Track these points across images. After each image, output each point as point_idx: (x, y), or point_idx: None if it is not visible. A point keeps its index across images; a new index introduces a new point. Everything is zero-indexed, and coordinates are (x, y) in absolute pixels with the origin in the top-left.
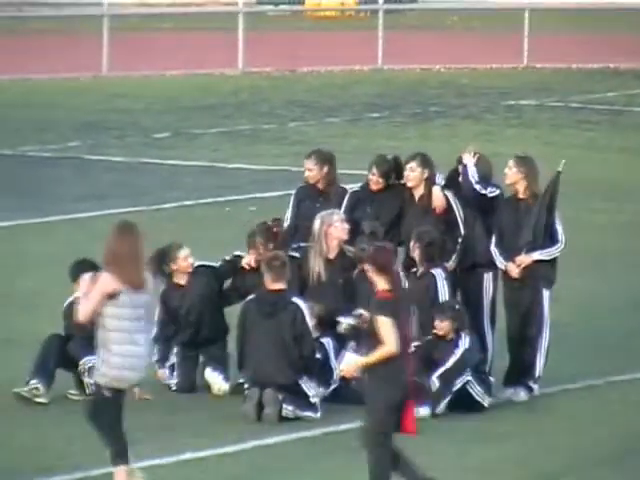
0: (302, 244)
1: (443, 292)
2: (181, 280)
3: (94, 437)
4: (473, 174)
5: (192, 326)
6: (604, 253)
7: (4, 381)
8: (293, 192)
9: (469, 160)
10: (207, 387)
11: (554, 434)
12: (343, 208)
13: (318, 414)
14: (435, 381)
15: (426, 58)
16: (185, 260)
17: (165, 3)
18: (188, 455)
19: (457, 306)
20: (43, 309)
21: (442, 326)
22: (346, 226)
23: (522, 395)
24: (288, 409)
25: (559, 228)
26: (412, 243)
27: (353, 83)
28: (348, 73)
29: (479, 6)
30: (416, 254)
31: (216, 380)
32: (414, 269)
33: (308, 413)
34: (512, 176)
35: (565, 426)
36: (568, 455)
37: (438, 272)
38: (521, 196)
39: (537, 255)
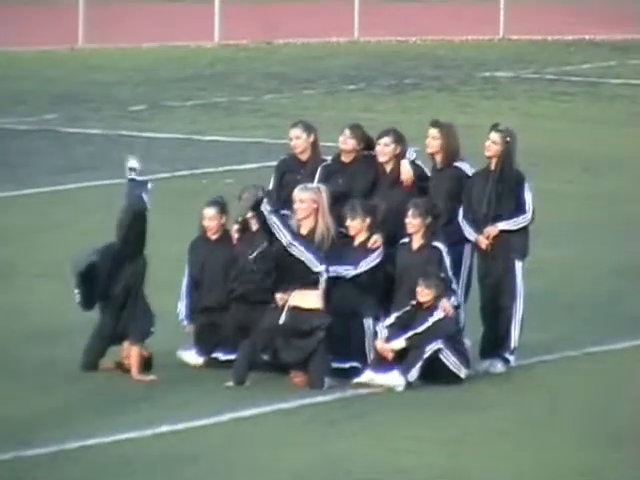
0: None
1: (447, 266)
2: (212, 235)
3: (64, 411)
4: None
5: (217, 287)
6: (581, 224)
7: None
8: (275, 164)
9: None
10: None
11: (532, 405)
12: (316, 181)
13: None
14: (403, 342)
15: (402, 30)
16: (206, 220)
17: None
18: (165, 428)
19: (442, 275)
20: (20, 280)
21: (426, 292)
22: (299, 205)
23: (499, 367)
24: None
25: (527, 198)
26: (411, 214)
27: (329, 55)
28: (324, 45)
29: None
30: (415, 226)
31: (189, 358)
32: (404, 240)
33: None
34: (496, 150)
35: (543, 397)
36: (546, 426)
37: (441, 245)
38: (493, 167)
39: (503, 225)
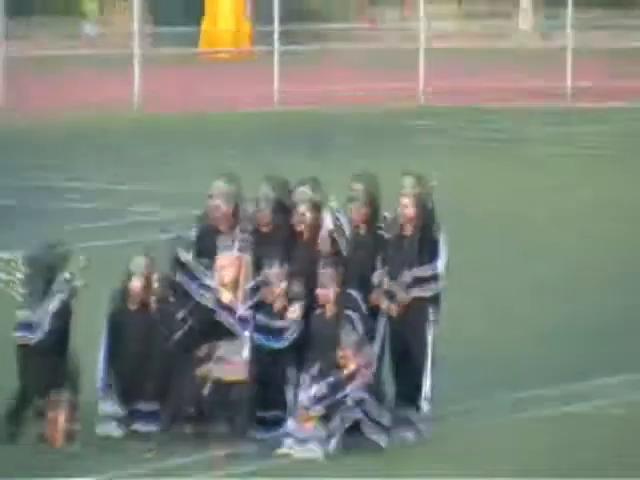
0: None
1: (361, 330)
2: (132, 305)
3: None
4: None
5: (136, 355)
6: (504, 284)
7: None
8: (194, 232)
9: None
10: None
11: (457, 471)
12: (235, 248)
13: None
14: (322, 409)
15: (323, 96)
16: (134, 290)
17: (62, 45)
18: None
19: (357, 339)
20: None
21: (342, 357)
22: (221, 271)
23: (409, 436)
24: None
25: (440, 262)
26: (320, 284)
27: (250, 122)
28: (244, 113)
29: (375, 46)
30: (324, 296)
31: (109, 429)
32: (318, 310)
33: None
34: (411, 215)
35: (470, 462)
36: None
37: (354, 313)
38: (407, 233)
39: (417, 292)
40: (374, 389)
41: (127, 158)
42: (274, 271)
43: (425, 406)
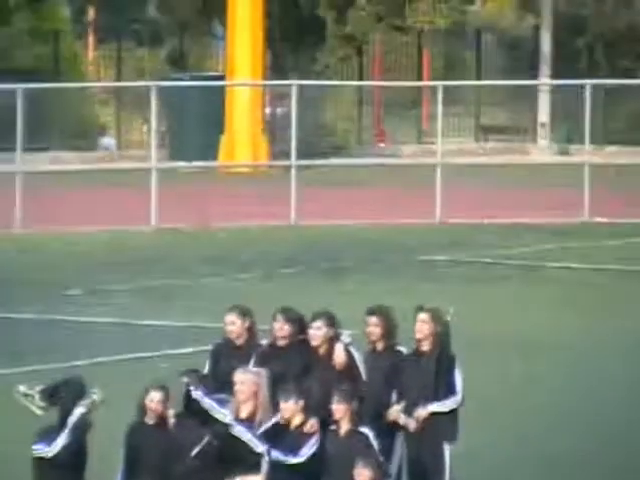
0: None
1: (376, 450)
2: (150, 420)
3: None
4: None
5: (154, 473)
6: (519, 408)
7: None
8: (210, 349)
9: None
10: None
11: None
12: (251, 365)
13: None
14: None
15: (340, 214)
16: (152, 402)
17: (78, 160)
18: None
19: (369, 456)
20: None
21: (360, 472)
22: (240, 387)
23: None
24: None
25: (458, 380)
26: (336, 400)
27: (267, 239)
28: (262, 229)
29: (391, 162)
30: (340, 411)
31: None
32: (332, 427)
33: None
34: (427, 330)
35: None
36: None
37: (367, 430)
38: (424, 349)
39: (434, 407)
40: None
41: (141, 283)
42: (290, 405)
43: None
